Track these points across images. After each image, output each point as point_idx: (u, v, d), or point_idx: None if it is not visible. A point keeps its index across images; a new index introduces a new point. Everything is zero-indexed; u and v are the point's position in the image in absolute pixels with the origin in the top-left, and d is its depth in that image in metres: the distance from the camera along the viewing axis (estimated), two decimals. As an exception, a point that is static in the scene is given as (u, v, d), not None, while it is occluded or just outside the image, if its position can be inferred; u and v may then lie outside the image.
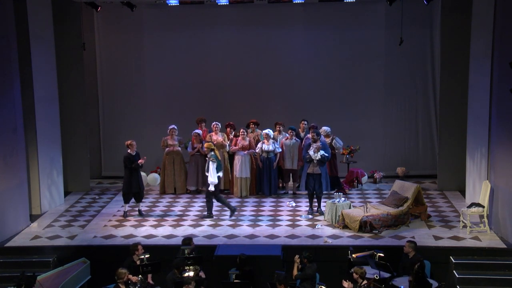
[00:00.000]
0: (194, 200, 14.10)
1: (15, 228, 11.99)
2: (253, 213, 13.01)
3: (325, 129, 14.17)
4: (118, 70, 16.11)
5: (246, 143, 14.03)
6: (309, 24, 15.74)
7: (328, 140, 14.14)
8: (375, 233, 11.52)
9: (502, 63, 10.79)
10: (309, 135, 13.06)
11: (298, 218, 12.63)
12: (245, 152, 13.92)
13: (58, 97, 13.82)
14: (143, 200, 13.16)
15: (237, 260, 9.96)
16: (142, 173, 13.52)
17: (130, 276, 9.36)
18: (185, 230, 12.03)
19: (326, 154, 12.47)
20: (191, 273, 9.70)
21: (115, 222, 12.59)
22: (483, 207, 11.53)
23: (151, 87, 16.14)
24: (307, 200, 13.00)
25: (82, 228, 12.30)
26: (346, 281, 9.10)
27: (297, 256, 10.03)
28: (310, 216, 12.68)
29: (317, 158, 12.38)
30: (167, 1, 14.50)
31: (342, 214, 11.91)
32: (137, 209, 13.09)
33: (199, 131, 14.27)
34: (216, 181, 12.35)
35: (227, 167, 14.30)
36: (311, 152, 12.47)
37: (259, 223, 12.38)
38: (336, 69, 15.84)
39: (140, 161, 12.63)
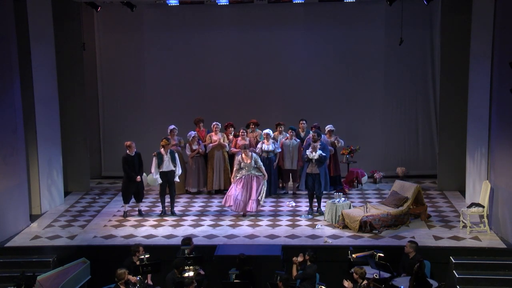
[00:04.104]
0: (194, 200, 14.11)
1: (15, 228, 11.99)
2: (253, 213, 13.00)
3: (327, 127, 14.23)
4: (118, 70, 16.11)
5: (246, 143, 14.03)
6: (309, 24, 15.75)
7: (331, 139, 14.16)
8: (375, 233, 11.52)
9: (502, 63, 10.79)
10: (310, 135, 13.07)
11: (298, 218, 12.63)
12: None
13: (58, 97, 13.83)
14: (143, 200, 13.17)
15: (236, 260, 9.96)
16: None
17: (130, 277, 9.37)
18: (185, 230, 12.03)
19: (324, 154, 12.46)
20: (191, 273, 9.71)
21: (115, 222, 12.59)
22: (483, 207, 11.53)
23: (151, 87, 16.14)
24: (307, 200, 13.01)
25: (82, 228, 12.31)
26: (347, 281, 9.10)
27: (295, 258, 10.04)
28: (310, 216, 12.68)
29: (315, 158, 12.38)
30: (167, 1, 14.51)
31: (342, 214, 11.91)
32: (137, 209, 13.10)
33: (193, 132, 14.25)
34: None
35: (227, 167, 14.30)
36: (308, 151, 12.47)
37: (259, 223, 12.39)
38: (336, 69, 15.84)
39: (137, 178, 12.63)
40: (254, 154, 12.67)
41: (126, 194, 12.82)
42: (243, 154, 12.57)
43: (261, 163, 12.80)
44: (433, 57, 15.56)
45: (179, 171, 12.96)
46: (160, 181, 12.77)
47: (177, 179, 12.95)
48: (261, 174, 12.69)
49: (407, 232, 11.59)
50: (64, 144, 14.23)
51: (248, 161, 12.52)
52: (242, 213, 12.69)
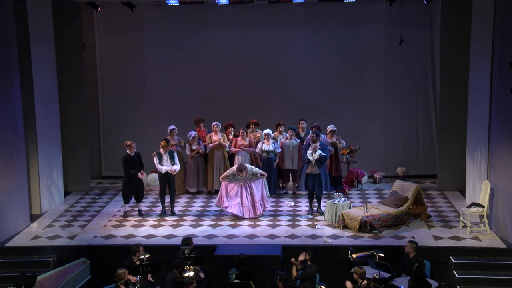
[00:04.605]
0: (194, 200, 14.12)
1: (15, 228, 11.99)
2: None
3: (329, 127, 14.23)
4: (118, 70, 16.12)
5: (246, 143, 14.04)
6: (309, 24, 15.75)
7: (333, 139, 14.16)
8: (375, 233, 11.52)
9: (502, 63, 10.79)
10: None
11: (298, 218, 12.63)
12: (247, 149, 13.94)
13: (58, 97, 13.83)
14: (143, 200, 13.18)
15: (236, 260, 9.96)
16: (142, 173, 13.53)
17: (130, 277, 9.37)
18: (185, 230, 12.03)
19: (324, 154, 12.46)
20: (191, 273, 9.71)
21: (115, 222, 12.59)
22: (483, 207, 11.53)
23: (151, 87, 16.15)
24: (307, 200, 13.01)
25: (82, 228, 12.31)
26: (349, 282, 9.10)
27: (293, 259, 10.04)
28: (310, 216, 12.68)
29: (315, 159, 12.38)
30: (167, 1, 14.51)
31: (342, 214, 11.91)
32: (137, 209, 13.10)
33: (193, 132, 14.27)
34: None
35: (227, 167, 14.28)
36: (308, 152, 12.47)
37: (259, 223, 12.39)
38: (336, 69, 15.84)
39: (139, 175, 12.64)
40: (248, 166, 12.67)
41: (126, 194, 12.82)
42: (238, 172, 12.59)
43: (256, 169, 12.86)
44: (433, 57, 15.56)
45: (177, 167, 12.91)
46: (167, 168, 12.67)
47: (175, 168, 12.82)
48: (258, 176, 12.72)
49: (407, 232, 11.59)
50: (64, 144, 14.23)
51: (244, 175, 12.57)
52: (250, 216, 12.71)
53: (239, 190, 12.59)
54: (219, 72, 15.98)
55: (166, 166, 12.73)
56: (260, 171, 12.91)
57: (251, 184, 12.65)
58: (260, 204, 12.71)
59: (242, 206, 12.59)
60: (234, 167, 12.71)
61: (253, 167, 12.85)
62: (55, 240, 11.66)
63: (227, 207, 12.63)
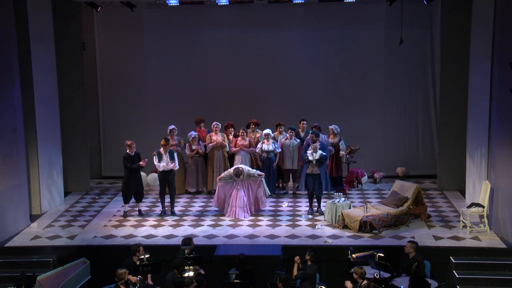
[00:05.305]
0: (194, 200, 14.12)
1: (15, 228, 11.99)
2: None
3: (332, 127, 14.22)
4: (118, 70, 16.12)
5: (246, 143, 14.04)
6: (309, 24, 15.76)
7: (335, 140, 14.15)
8: (375, 233, 11.52)
9: (502, 63, 10.79)
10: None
11: (298, 218, 12.63)
12: (247, 149, 13.95)
13: (58, 97, 13.83)
14: (143, 200, 13.18)
15: (236, 260, 9.96)
16: (142, 173, 13.53)
17: (130, 277, 9.37)
18: (185, 230, 12.03)
19: (324, 154, 12.46)
20: (191, 273, 9.71)
21: (115, 222, 12.59)
22: (483, 207, 11.53)
23: (151, 87, 16.15)
24: (307, 200, 13.01)
25: (82, 228, 12.31)
26: (349, 282, 9.10)
27: (297, 257, 10.04)
28: (310, 216, 12.68)
29: (316, 159, 12.38)
30: (167, 1, 14.52)
31: (342, 214, 11.91)
32: (137, 209, 13.10)
33: (194, 133, 14.27)
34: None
35: (227, 167, 14.28)
36: (308, 152, 12.47)
37: (259, 223, 12.39)
38: (336, 69, 15.85)
39: (141, 163, 12.65)
40: (245, 169, 12.73)
41: (126, 194, 12.83)
42: (235, 176, 12.68)
43: (253, 170, 12.92)
44: (433, 57, 15.57)
45: (175, 166, 12.91)
46: (165, 163, 12.67)
47: (175, 165, 12.86)
48: (256, 176, 12.76)
49: (407, 232, 11.59)
50: (64, 144, 14.23)
51: (241, 178, 12.69)
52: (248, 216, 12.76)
53: (235, 191, 12.64)
54: (219, 72, 15.99)
55: (164, 162, 12.71)
56: (258, 171, 12.96)
57: (247, 185, 12.70)
58: (256, 204, 12.79)
59: (236, 207, 12.64)
60: (232, 169, 12.76)
61: (249, 169, 12.89)
62: (55, 240, 11.66)
63: (227, 212, 12.77)
